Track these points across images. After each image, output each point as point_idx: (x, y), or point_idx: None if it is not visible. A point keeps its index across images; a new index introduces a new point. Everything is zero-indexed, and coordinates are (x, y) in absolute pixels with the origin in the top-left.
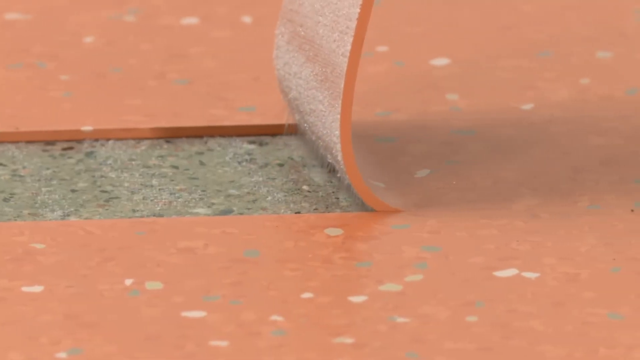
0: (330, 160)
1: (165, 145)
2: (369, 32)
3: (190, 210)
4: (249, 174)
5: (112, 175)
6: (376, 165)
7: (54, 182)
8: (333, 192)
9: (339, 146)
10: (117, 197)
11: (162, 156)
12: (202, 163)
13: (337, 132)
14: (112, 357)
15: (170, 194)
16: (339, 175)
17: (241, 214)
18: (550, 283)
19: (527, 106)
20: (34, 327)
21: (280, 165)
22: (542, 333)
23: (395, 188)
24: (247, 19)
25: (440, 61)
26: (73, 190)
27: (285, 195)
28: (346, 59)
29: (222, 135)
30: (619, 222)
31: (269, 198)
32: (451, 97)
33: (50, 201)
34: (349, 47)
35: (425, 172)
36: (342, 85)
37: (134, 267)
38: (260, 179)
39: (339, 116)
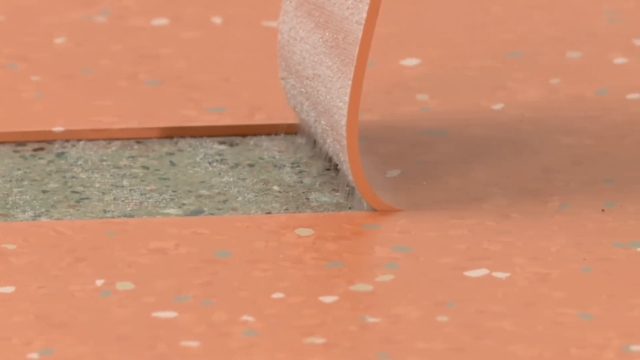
0: (324, 127)
1: (136, 146)
2: None
3: (161, 211)
4: (220, 174)
5: (83, 175)
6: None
7: (25, 182)
8: (303, 193)
9: (343, 111)
10: (88, 198)
11: (132, 157)
12: (172, 163)
13: (346, 98)
14: (83, 358)
15: (141, 194)
16: (328, 140)
17: (212, 214)
18: (520, 283)
19: (497, 106)
20: (5, 328)
21: (251, 165)
22: (512, 333)
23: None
24: (217, 20)
25: (411, 61)
26: (44, 191)
27: (255, 196)
28: (361, 27)
29: (193, 136)
30: (589, 222)
31: (240, 198)
32: (421, 97)
33: (21, 202)
34: (364, 15)
35: (396, 172)
36: (356, 52)
37: (105, 268)
38: (231, 179)
39: (349, 82)
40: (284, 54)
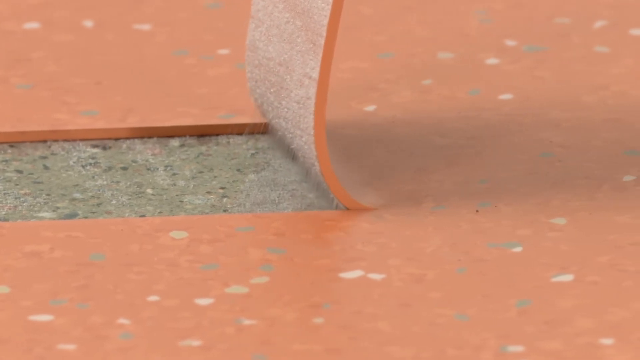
0: (298, 27)
1: (9, 150)
2: (209, 36)
3: (35, 215)
4: (93, 177)
5: None
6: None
7: None
8: (177, 196)
9: (325, 12)
10: None
11: (6, 161)
12: (46, 167)
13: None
14: None
15: (15, 198)
16: (299, 40)
17: (86, 217)
18: (396, 284)
19: (370, 108)
20: None
21: (124, 168)
22: (389, 334)
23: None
24: (88, 23)
25: None
26: None
27: (129, 199)
28: None
29: (66, 140)
30: (464, 222)
31: (114, 202)
32: None
33: None
34: None
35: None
36: None
37: None
38: (105, 182)
39: None
40: None
